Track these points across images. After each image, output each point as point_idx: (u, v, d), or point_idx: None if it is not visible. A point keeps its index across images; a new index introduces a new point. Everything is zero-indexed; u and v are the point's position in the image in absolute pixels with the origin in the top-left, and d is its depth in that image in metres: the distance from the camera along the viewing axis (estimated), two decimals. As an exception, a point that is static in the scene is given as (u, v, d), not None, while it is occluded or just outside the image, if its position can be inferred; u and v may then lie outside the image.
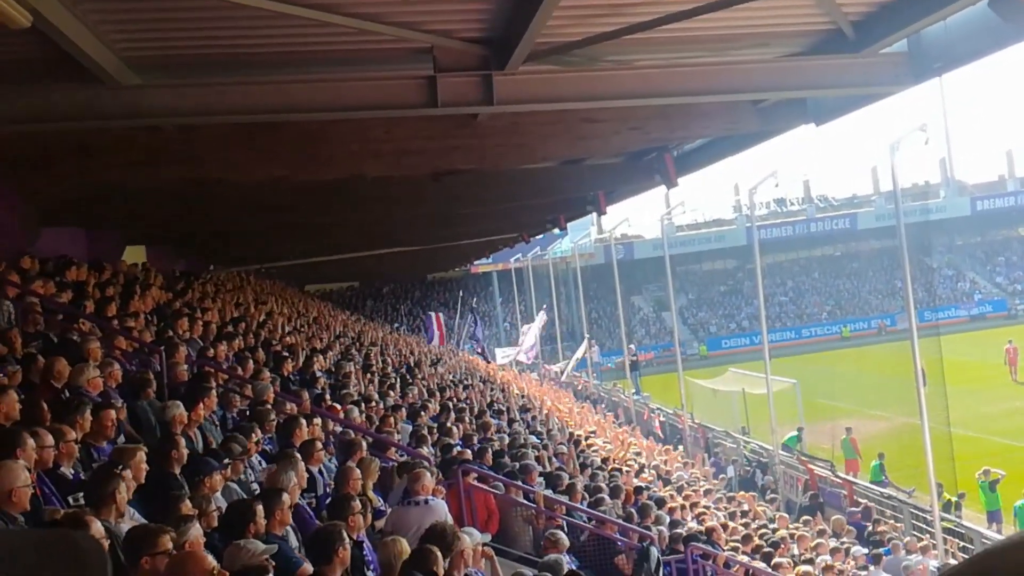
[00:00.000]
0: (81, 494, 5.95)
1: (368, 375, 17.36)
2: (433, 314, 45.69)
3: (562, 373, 41.82)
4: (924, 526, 19.82)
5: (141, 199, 15.73)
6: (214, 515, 6.35)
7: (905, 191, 64.23)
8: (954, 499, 22.16)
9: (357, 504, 7.22)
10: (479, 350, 44.13)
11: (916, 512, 20.70)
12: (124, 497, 5.82)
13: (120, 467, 6.13)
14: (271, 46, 9.24)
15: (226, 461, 7.65)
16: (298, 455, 8.20)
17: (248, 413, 10.09)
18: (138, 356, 10.89)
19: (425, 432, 12.98)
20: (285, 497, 6.80)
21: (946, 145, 79.54)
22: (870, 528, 19.66)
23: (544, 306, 52.05)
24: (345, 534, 6.28)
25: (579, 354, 43.46)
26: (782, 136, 14.26)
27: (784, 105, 12.38)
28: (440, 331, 43.10)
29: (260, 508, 6.36)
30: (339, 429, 11.49)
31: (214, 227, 21.46)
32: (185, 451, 7.31)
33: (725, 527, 16.05)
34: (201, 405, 8.81)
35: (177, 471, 7.08)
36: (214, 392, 9.51)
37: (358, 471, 8.49)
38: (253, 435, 8.61)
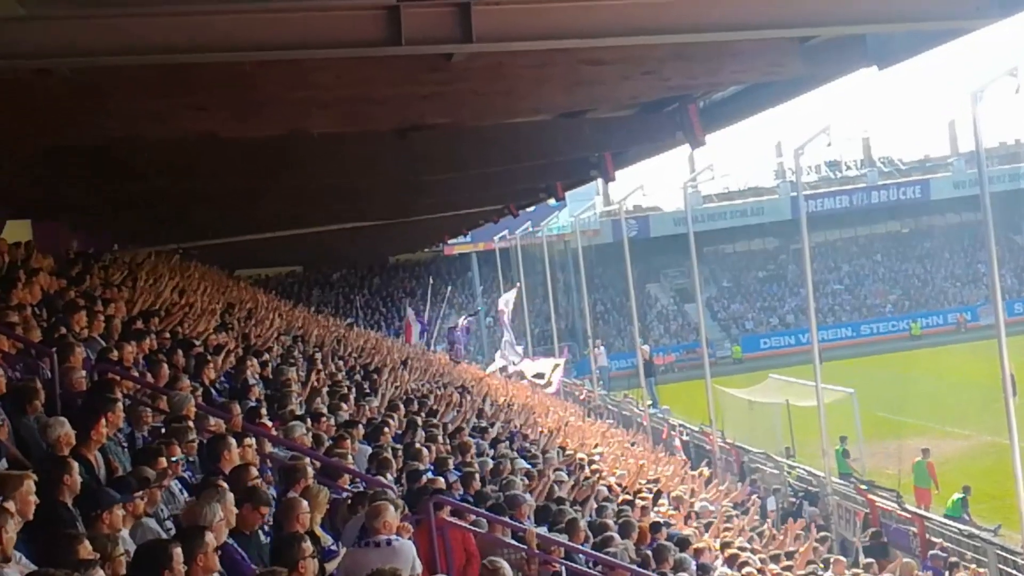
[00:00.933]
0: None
1: (316, 383, 17.38)
2: (411, 312, 46.20)
3: (544, 381, 41.80)
4: (1013, 572, 19.97)
5: (25, 161, 15.67)
6: (122, 560, 6.37)
7: (991, 151, 64.50)
8: (1050, 538, 22.37)
9: (309, 546, 7.24)
10: (450, 351, 44.35)
11: (1003, 555, 20.85)
12: (10, 538, 5.83)
13: (3, 499, 6.14)
14: (191, -33, 9.21)
15: (137, 493, 7.66)
16: (225, 484, 8.22)
17: (163, 431, 10.09)
18: (23, 360, 10.87)
19: (388, 455, 13.00)
20: (209, 537, 6.82)
21: (1042, 94, 79.85)
22: (946, 573, 19.83)
23: (517, 285, 51.78)
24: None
25: (546, 367, 43.38)
26: (836, 83, 14.33)
27: (838, 44, 12.39)
28: (409, 328, 43.52)
29: (178, 551, 6.38)
30: (278, 451, 11.50)
31: (119, 196, 21.38)
32: (78, 479, 7.32)
33: (764, 572, 16.15)
34: (103, 421, 8.80)
35: (69, 503, 7.09)
36: (120, 405, 9.50)
37: (305, 503, 8.53)
38: (165, 459, 8.61)
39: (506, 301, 47.66)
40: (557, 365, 43.01)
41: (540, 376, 41.58)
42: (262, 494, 8.37)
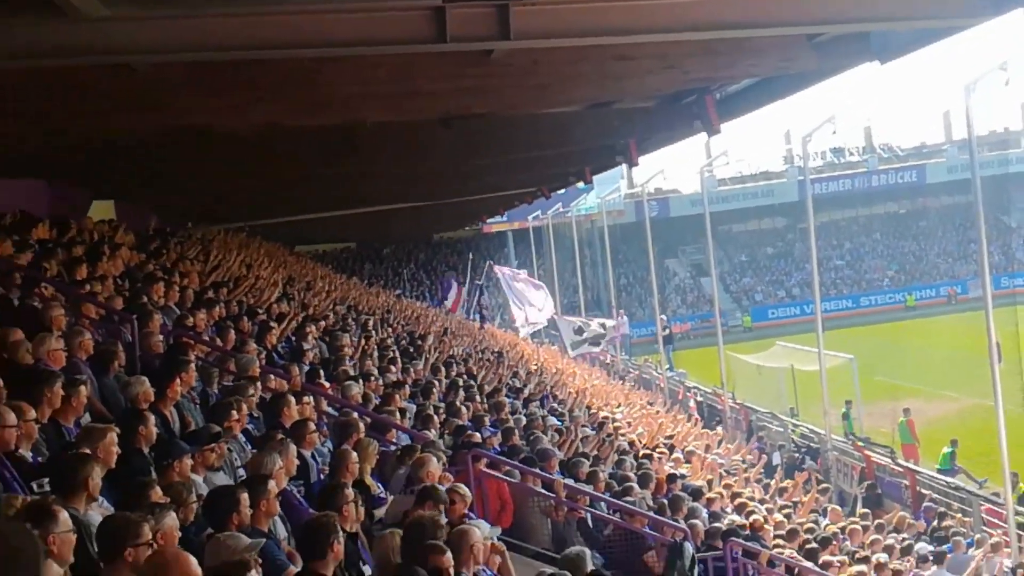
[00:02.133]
0: (46, 479, 6.00)
1: (367, 348, 17.42)
2: (454, 282, 45.66)
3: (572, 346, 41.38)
4: (997, 521, 19.83)
5: (109, 148, 15.74)
6: (192, 506, 6.40)
7: (981, 139, 63.55)
8: (1030, 490, 22.19)
9: (351, 493, 7.26)
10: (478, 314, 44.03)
11: (989, 504, 20.70)
12: (96, 483, 5.88)
13: (90, 449, 6.19)
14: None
15: (208, 446, 7.69)
16: (286, 438, 8.26)
17: (231, 389, 10.15)
18: (106, 325, 10.94)
19: (431, 412, 13.03)
20: (271, 485, 6.86)
21: (1029, 87, 78.74)
22: (935, 523, 19.71)
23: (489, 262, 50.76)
24: (339, 526, 6.33)
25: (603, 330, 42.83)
26: (841, 76, 14.15)
27: (844, 40, 12.23)
28: (457, 299, 43.18)
29: (245, 496, 6.42)
30: (333, 408, 11.54)
31: (192, 180, 21.48)
32: (154, 430, 7.37)
33: (768, 520, 16.10)
34: (178, 380, 8.85)
35: (145, 451, 7.14)
36: (192, 366, 9.55)
37: (355, 455, 8.55)
38: (232, 414, 8.65)
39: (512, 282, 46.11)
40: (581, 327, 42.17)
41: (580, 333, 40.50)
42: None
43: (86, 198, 19.49)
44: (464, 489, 8.61)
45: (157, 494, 6.05)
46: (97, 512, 5.86)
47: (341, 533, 6.33)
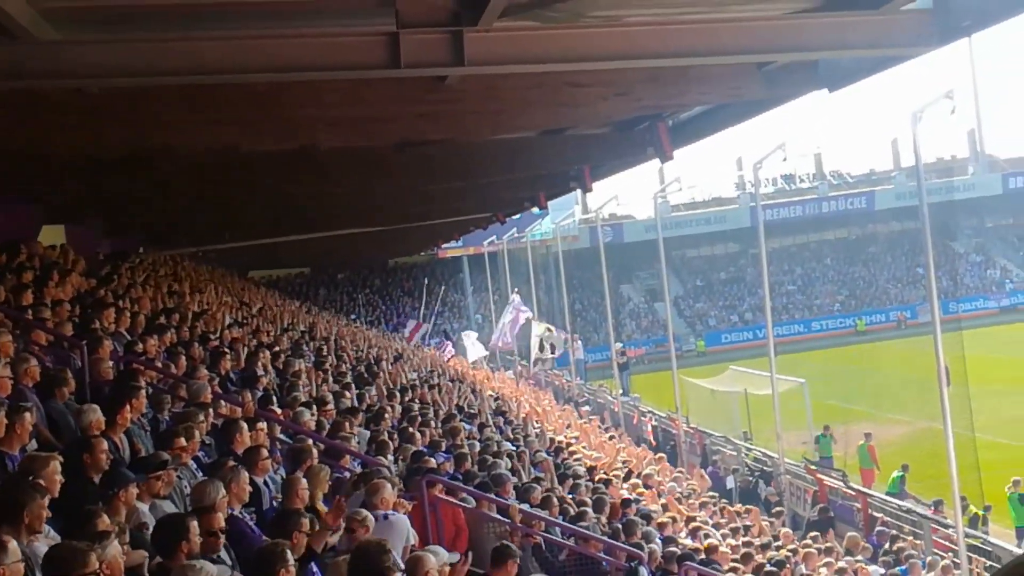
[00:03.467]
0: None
1: (320, 373, 17.30)
2: (410, 320, 46.01)
3: (531, 362, 41.46)
4: (947, 543, 20.01)
5: (60, 171, 15.59)
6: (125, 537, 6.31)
7: (929, 166, 64.61)
8: (980, 513, 22.41)
9: (304, 520, 7.18)
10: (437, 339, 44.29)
11: (938, 528, 20.89)
12: (38, 514, 5.78)
13: (33, 477, 6.08)
14: (209, -3, 9.16)
15: (154, 473, 7.57)
16: (238, 464, 8.17)
17: (182, 415, 10.02)
18: (56, 351, 10.79)
19: (385, 438, 12.95)
20: (218, 513, 6.79)
21: (975, 115, 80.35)
22: (887, 546, 19.84)
23: (516, 289, 51.46)
24: (289, 554, 6.27)
25: (539, 332, 42.90)
26: (790, 104, 14.31)
27: (793, 69, 12.40)
28: (415, 330, 43.45)
29: (194, 524, 6.34)
30: (286, 435, 11.44)
31: (144, 205, 21.31)
32: (104, 457, 7.25)
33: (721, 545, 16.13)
34: (128, 407, 8.73)
35: (96, 481, 7.03)
36: (143, 392, 9.44)
37: (304, 481, 8.48)
38: (182, 441, 8.53)
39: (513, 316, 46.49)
40: (549, 328, 42.60)
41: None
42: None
43: (36, 222, 19.24)
44: (365, 514, 8.39)
45: (104, 522, 5.95)
46: (43, 542, 5.76)
47: (292, 561, 6.27)
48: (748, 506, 22.46)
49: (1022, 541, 21.80)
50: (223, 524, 6.84)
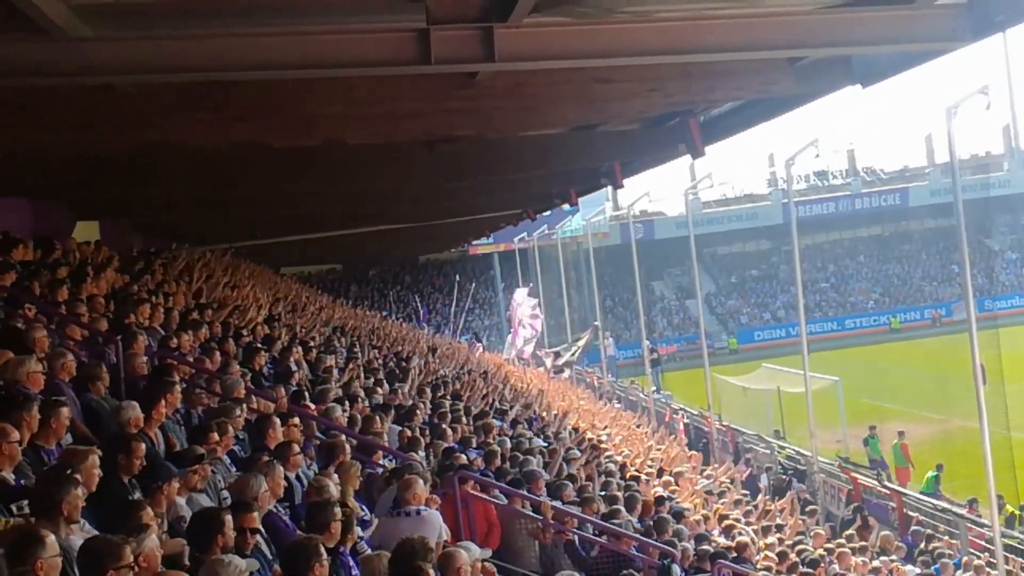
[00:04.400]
0: (25, 502, 5.97)
1: (352, 369, 17.38)
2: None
3: (558, 358, 41.52)
4: (983, 543, 19.86)
5: (93, 167, 15.72)
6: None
7: (963, 163, 64.19)
8: (1017, 512, 22.22)
9: (337, 511, 7.23)
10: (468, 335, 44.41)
11: (974, 527, 20.74)
12: (75, 505, 5.85)
13: (71, 471, 6.16)
14: (241, -7, 9.22)
15: (191, 467, 7.65)
16: (272, 459, 8.24)
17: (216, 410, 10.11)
18: (91, 347, 10.90)
19: (417, 434, 13.00)
20: (256, 508, 6.84)
21: (1010, 111, 79.37)
22: (922, 545, 19.72)
23: (531, 284, 51.55)
24: (323, 548, 6.32)
25: (581, 342, 43.21)
26: (823, 100, 14.23)
27: (825, 64, 12.32)
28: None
29: (229, 519, 6.41)
30: (319, 430, 11.50)
31: (177, 200, 21.45)
32: (138, 463, 7.31)
33: (755, 543, 16.09)
34: (162, 402, 8.80)
35: (126, 480, 7.10)
36: (177, 387, 9.52)
37: (334, 476, 8.53)
38: (215, 436, 8.61)
39: (518, 303, 46.79)
40: (579, 338, 42.72)
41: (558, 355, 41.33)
42: None
43: (70, 218, 19.43)
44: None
45: (148, 515, 6.03)
46: (79, 536, 5.83)
47: (325, 556, 6.32)
48: (782, 502, 22.34)
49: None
50: (257, 523, 6.87)
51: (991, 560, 18.50)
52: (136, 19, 9.38)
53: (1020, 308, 67.30)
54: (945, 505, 22.87)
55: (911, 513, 22.24)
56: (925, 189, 77.12)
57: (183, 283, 18.65)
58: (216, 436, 8.62)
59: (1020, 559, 18.96)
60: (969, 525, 20.89)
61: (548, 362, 41.95)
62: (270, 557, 6.96)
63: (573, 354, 42.36)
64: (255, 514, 6.86)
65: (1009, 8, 9.43)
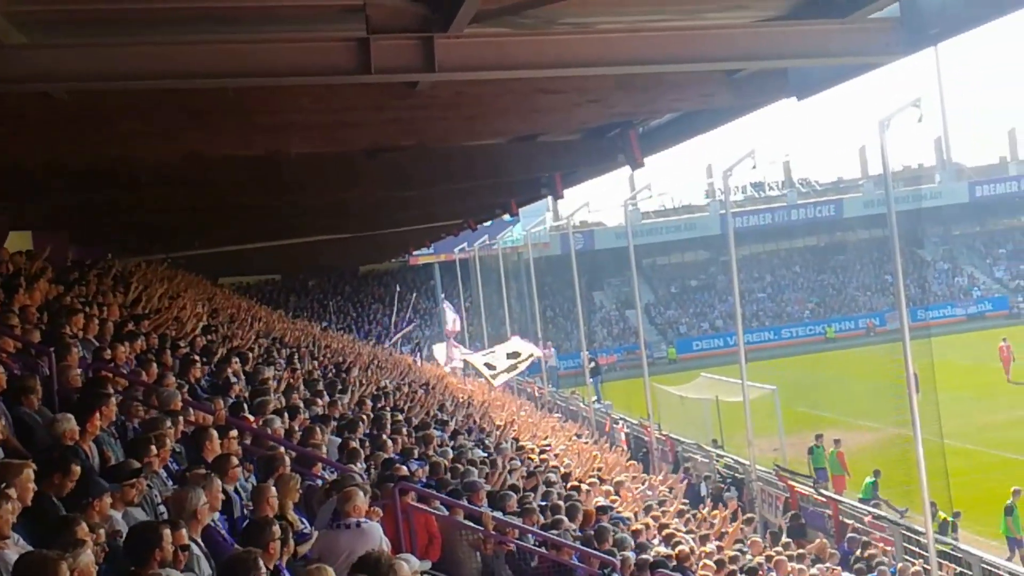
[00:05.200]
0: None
1: (292, 381, 17.23)
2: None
3: (491, 371, 41.41)
4: (917, 549, 20.16)
5: (26, 176, 15.46)
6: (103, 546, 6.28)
7: (896, 175, 65.35)
8: (950, 519, 22.58)
9: (277, 529, 7.16)
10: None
11: (908, 534, 21.04)
12: (8, 520, 5.74)
13: (4, 485, 6.03)
14: (180, 1, 9.12)
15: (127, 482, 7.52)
16: (210, 472, 8.13)
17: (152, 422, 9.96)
18: (23, 358, 10.69)
19: (356, 445, 12.91)
20: (193, 521, 6.76)
21: (942, 124, 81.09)
22: (858, 552, 19.96)
23: (444, 298, 51.65)
24: (261, 563, 6.25)
25: (523, 364, 43.00)
26: (760, 112, 14.41)
27: (762, 76, 12.49)
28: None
29: (167, 532, 6.31)
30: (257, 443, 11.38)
31: (113, 209, 21.15)
32: (78, 470, 7.18)
33: (694, 551, 16.18)
34: (97, 415, 8.65)
35: (65, 490, 6.97)
36: (112, 400, 9.36)
37: (274, 489, 8.45)
38: (152, 449, 8.48)
39: (453, 320, 46.79)
40: (532, 356, 42.42)
41: (491, 367, 40.96)
42: None
43: (2, 228, 19.06)
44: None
45: (83, 530, 5.92)
46: (13, 551, 5.71)
47: (264, 570, 6.25)
48: (718, 511, 22.50)
49: (1014, 553, 21.98)
50: (185, 539, 6.76)
51: (926, 567, 18.78)
52: (73, 27, 9.25)
53: (952, 318, 68.69)
54: (880, 512, 23.17)
55: (847, 521, 22.52)
56: (859, 200, 78.32)
57: (119, 294, 18.37)
58: (153, 449, 8.48)
59: (954, 565, 19.26)
60: (904, 532, 21.19)
61: (484, 371, 41.75)
62: (209, 571, 6.87)
63: (510, 370, 42.12)
64: (182, 531, 6.75)
65: (941, 22, 9.63)
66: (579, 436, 31.07)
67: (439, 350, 44.63)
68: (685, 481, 27.15)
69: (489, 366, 39.45)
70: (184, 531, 6.74)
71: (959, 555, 19.83)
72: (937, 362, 31.21)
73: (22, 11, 8.84)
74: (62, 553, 5.26)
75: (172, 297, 21.21)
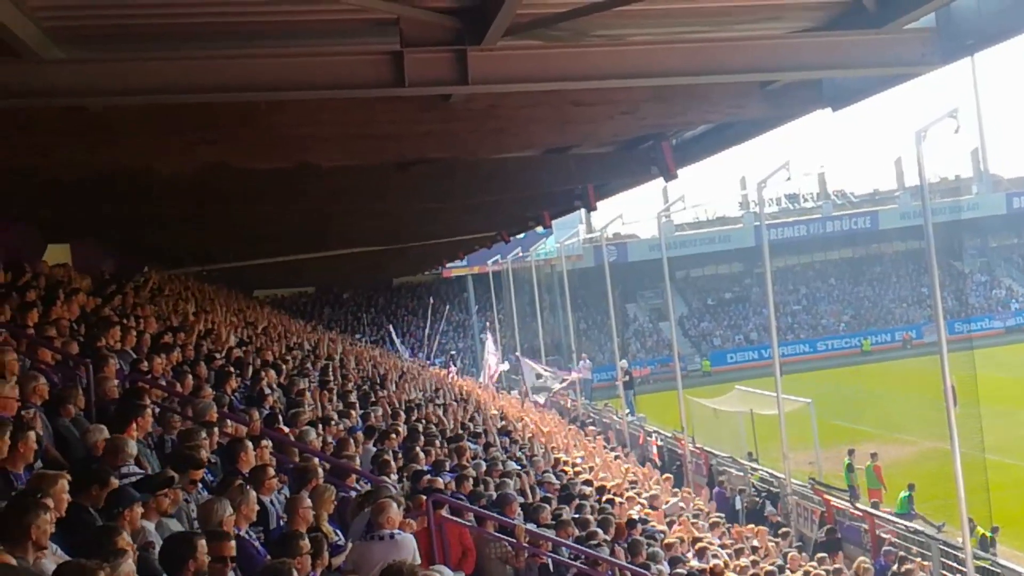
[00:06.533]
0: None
1: (325, 393, 17.31)
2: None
3: (537, 391, 41.56)
4: (955, 565, 19.93)
5: (64, 189, 15.63)
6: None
7: (933, 186, 64.75)
8: (989, 535, 22.32)
9: (306, 543, 7.17)
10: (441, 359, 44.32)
11: (946, 549, 20.81)
12: (43, 531, 5.79)
13: (40, 495, 6.09)
14: (213, 15, 9.21)
15: (161, 491, 7.57)
16: (245, 484, 8.18)
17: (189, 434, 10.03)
18: (62, 370, 10.81)
19: (389, 457, 12.94)
20: (226, 532, 6.79)
21: (979, 135, 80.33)
22: (895, 568, 19.76)
23: (487, 323, 51.77)
24: (295, 573, 6.27)
25: (571, 377, 43.25)
26: (794, 123, 14.34)
27: (796, 87, 12.43)
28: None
29: (202, 544, 6.34)
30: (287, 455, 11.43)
31: (149, 223, 21.35)
32: (115, 482, 7.24)
33: (728, 565, 16.09)
34: (134, 425, 8.75)
35: (102, 502, 7.03)
36: (149, 411, 9.45)
37: (308, 501, 8.48)
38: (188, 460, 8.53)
39: (495, 361, 46.81)
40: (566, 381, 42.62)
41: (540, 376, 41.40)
42: None
43: (41, 242, 19.29)
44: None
45: (124, 540, 5.96)
46: (51, 560, 5.76)
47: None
48: (755, 526, 22.39)
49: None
50: (233, 551, 6.81)
51: (964, 582, 18.58)
52: (108, 41, 9.36)
53: (990, 331, 67.96)
54: (917, 527, 22.94)
55: (883, 535, 22.30)
56: (895, 212, 77.75)
57: (157, 306, 18.54)
58: (198, 472, 8.53)
59: (992, 580, 19.05)
60: (942, 547, 20.95)
61: (542, 391, 41.91)
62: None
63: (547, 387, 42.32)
64: (229, 540, 6.79)
65: (978, 32, 9.56)
66: (612, 449, 30.96)
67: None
68: (718, 494, 27.01)
69: (539, 377, 39.76)
70: (231, 543, 6.77)
71: (998, 570, 19.59)
72: (980, 375, 30.90)
73: (60, 27, 8.97)
74: (100, 563, 5.29)
75: (207, 310, 21.39)
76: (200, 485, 8.78)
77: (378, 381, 24.40)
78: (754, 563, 17.36)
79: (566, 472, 20.60)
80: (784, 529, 23.37)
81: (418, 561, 8.78)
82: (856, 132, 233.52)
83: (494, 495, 13.23)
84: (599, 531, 13.46)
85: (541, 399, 40.80)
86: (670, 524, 19.11)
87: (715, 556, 16.29)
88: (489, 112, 12.13)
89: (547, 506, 13.78)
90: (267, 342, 22.49)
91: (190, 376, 12.53)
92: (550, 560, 11.80)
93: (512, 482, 14.88)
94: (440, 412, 22.21)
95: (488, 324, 53.11)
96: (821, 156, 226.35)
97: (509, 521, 11.96)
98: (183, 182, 15.70)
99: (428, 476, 12.76)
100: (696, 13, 10.10)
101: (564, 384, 42.60)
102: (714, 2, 9.72)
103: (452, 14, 8.90)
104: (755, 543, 19.96)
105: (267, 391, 14.32)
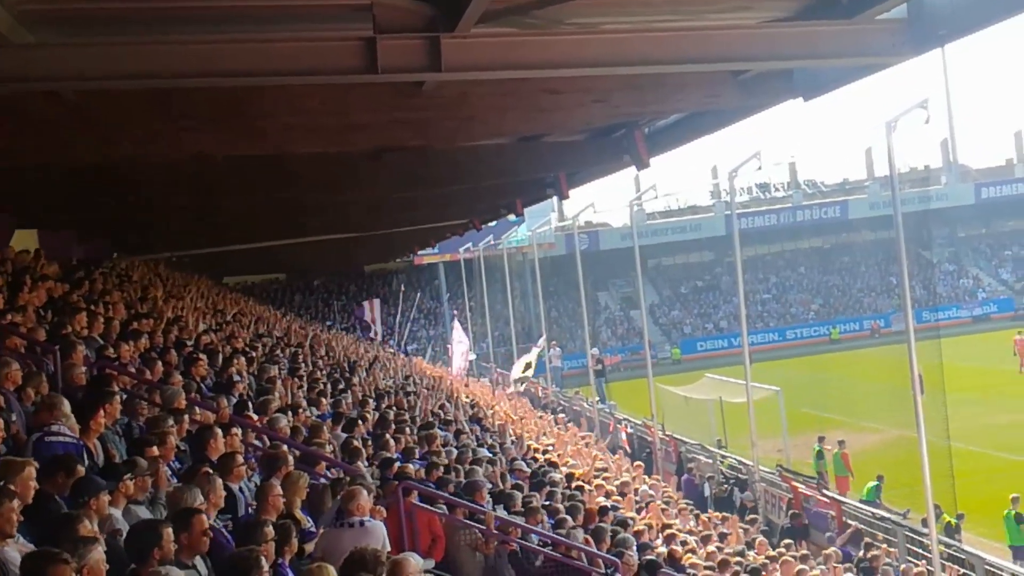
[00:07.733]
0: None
1: (296, 380, 17.23)
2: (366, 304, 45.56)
3: (518, 382, 41.64)
4: (920, 551, 20.13)
5: (32, 175, 15.48)
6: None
7: (902, 176, 65.09)
8: (954, 521, 22.54)
9: (270, 530, 7.13)
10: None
11: (912, 536, 21.01)
12: (11, 519, 5.73)
13: (6, 482, 6.03)
14: (185, 0, 9.13)
15: (126, 476, 7.49)
16: (212, 471, 8.13)
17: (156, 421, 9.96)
18: (29, 356, 10.70)
19: (359, 444, 12.91)
20: (196, 519, 6.73)
21: (948, 125, 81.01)
22: (860, 554, 19.93)
23: (455, 312, 51.74)
24: (263, 560, 6.24)
25: (531, 358, 43.33)
26: (765, 112, 14.39)
27: (768, 77, 12.47)
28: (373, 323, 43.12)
29: (168, 531, 6.30)
30: (261, 442, 11.38)
31: (118, 209, 21.18)
32: (82, 470, 7.18)
33: (696, 552, 16.16)
34: (101, 412, 8.66)
35: (67, 490, 6.97)
36: (117, 398, 9.37)
37: (279, 488, 8.44)
38: (154, 449, 8.47)
39: (462, 353, 46.72)
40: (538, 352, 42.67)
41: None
42: None
43: (7, 227, 19.09)
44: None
45: (86, 528, 5.91)
46: (14, 548, 5.71)
47: (265, 568, 6.24)
48: (724, 513, 22.52)
49: (1018, 560, 21.87)
50: (206, 523, 6.78)
51: (930, 568, 18.75)
52: (80, 26, 9.26)
53: (957, 320, 68.57)
54: (883, 513, 23.13)
55: (850, 522, 22.48)
56: (865, 202, 78.22)
57: (123, 293, 18.39)
58: (155, 449, 8.48)
59: (957, 567, 19.21)
60: (908, 534, 21.15)
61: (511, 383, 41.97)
62: (204, 572, 6.84)
63: (524, 370, 42.34)
64: (195, 525, 6.74)
65: (949, 23, 9.61)
66: (583, 437, 31.02)
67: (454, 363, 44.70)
68: (686, 481, 27.13)
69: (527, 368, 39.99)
70: (206, 516, 6.73)
71: (963, 556, 19.79)
72: (946, 363, 31.16)
73: (30, 10, 8.85)
74: (68, 551, 5.25)
75: (176, 296, 21.24)
76: (169, 472, 8.72)
77: (349, 368, 24.32)
78: (720, 549, 17.44)
79: (536, 459, 20.62)
80: (752, 516, 23.53)
81: (387, 548, 8.76)
82: (827, 122, 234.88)
83: (463, 482, 13.22)
84: (568, 518, 13.48)
85: (521, 388, 40.95)
86: (639, 511, 19.17)
87: (683, 543, 16.35)
88: (462, 100, 12.12)
89: (518, 493, 13.77)
90: (237, 329, 22.35)
91: (159, 363, 12.44)
92: (519, 546, 11.81)
93: (482, 469, 14.87)
94: (411, 399, 22.17)
95: (456, 313, 53.04)
96: (792, 146, 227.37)
97: (479, 508, 11.95)
98: (154, 169, 15.59)
99: (397, 463, 12.74)
100: (669, 2, 10.12)
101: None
102: (687, -9, 9.74)
103: (426, 1, 8.86)
104: (724, 530, 20.07)
105: (237, 378, 14.23)
